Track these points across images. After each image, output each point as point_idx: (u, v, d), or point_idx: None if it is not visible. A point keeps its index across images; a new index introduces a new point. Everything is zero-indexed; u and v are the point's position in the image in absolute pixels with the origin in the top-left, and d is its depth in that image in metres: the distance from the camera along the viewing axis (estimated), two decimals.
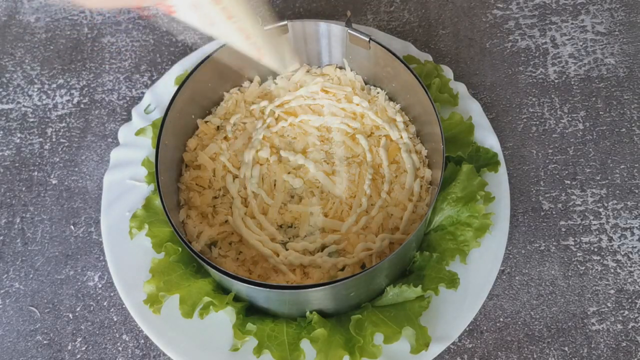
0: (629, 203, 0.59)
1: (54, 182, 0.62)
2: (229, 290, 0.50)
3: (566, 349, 0.53)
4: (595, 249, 0.57)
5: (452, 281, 0.49)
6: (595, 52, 0.67)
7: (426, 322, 0.48)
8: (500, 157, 0.57)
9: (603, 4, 0.70)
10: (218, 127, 0.59)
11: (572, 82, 0.65)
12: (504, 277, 0.56)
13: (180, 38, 0.70)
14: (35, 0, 0.74)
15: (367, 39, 0.54)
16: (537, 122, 0.63)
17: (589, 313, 0.54)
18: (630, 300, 0.54)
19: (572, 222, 0.58)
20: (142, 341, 0.54)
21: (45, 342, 0.55)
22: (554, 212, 0.58)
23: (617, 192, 0.59)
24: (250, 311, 0.51)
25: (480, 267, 0.52)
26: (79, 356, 0.54)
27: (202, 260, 0.45)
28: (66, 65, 0.69)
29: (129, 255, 0.54)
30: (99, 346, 0.54)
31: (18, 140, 0.65)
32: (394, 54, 0.53)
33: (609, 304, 0.54)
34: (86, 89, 0.68)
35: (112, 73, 0.69)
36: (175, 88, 0.56)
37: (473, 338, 0.53)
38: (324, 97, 0.58)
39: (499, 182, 0.56)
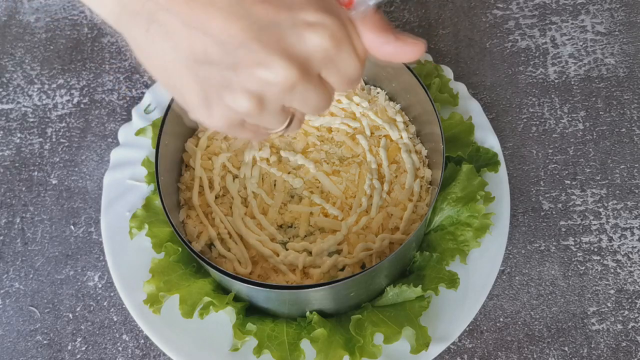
0: (629, 203, 0.59)
1: (54, 182, 0.62)
2: (229, 290, 0.50)
3: (566, 349, 0.53)
4: (595, 249, 0.57)
5: (452, 281, 0.49)
6: (595, 52, 0.67)
7: (426, 322, 0.48)
8: (500, 157, 0.57)
9: (603, 4, 0.70)
10: None
11: (572, 82, 0.65)
12: (504, 277, 0.56)
13: None
14: (35, 0, 0.74)
15: None
16: (537, 122, 0.63)
17: (589, 313, 0.54)
18: (630, 300, 0.54)
19: (572, 222, 0.58)
20: (142, 341, 0.54)
21: (45, 342, 0.55)
22: (554, 212, 0.58)
23: (617, 192, 0.59)
24: (250, 311, 0.51)
25: (480, 267, 0.52)
26: (79, 356, 0.54)
27: (202, 260, 0.45)
28: (66, 65, 0.69)
29: (129, 255, 0.54)
30: (99, 346, 0.54)
31: (18, 140, 0.65)
32: None
33: (609, 304, 0.54)
34: (86, 89, 0.68)
35: (112, 73, 0.69)
36: None
37: (473, 338, 0.53)
38: None
39: (499, 182, 0.56)
